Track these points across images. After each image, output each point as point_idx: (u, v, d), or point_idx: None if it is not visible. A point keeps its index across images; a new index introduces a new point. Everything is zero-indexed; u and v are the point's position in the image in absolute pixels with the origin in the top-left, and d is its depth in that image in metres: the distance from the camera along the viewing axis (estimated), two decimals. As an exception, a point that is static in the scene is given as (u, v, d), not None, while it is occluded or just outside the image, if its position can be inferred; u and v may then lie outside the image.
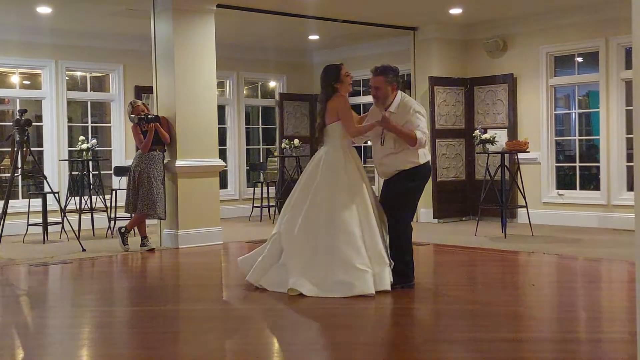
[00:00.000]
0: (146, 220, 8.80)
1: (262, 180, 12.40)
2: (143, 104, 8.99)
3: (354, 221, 5.91)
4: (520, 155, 9.80)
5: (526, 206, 9.52)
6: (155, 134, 8.61)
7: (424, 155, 6.12)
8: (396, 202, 6.10)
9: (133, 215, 8.82)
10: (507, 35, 11.11)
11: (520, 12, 10.49)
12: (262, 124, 13.85)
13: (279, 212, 11.78)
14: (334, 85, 6.20)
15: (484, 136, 9.48)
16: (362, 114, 7.20)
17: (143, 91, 11.37)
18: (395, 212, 6.08)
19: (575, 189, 10.63)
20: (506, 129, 10.83)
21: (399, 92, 6.22)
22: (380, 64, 6.31)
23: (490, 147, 9.48)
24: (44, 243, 9.32)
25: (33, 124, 9.02)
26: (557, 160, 10.85)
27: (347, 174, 6.08)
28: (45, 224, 9.50)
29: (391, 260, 6.01)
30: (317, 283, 5.85)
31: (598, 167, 10.31)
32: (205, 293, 6.42)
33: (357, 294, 5.69)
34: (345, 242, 5.85)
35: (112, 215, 10.10)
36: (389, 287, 5.83)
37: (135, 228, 8.88)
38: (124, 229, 8.66)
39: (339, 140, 6.18)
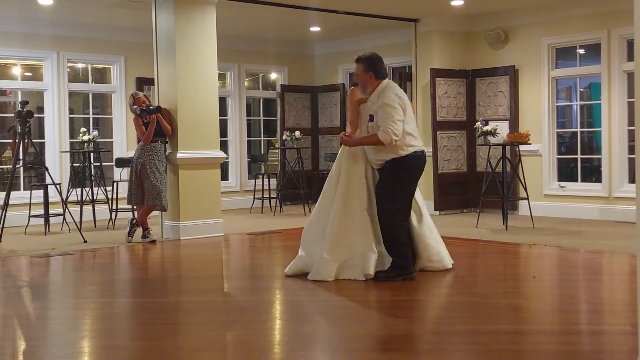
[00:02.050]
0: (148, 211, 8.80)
1: (263, 172, 12.40)
2: (145, 95, 8.99)
3: (326, 210, 6.24)
4: (522, 147, 9.79)
5: (527, 198, 9.52)
6: (156, 125, 8.61)
7: (406, 146, 6.01)
8: (379, 195, 6.11)
9: (135, 207, 8.84)
10: (509, 27, 11.08)
11: (522, 3, 10.46)
12: (263, 116, 13.84)
13: (280, 203, 11.96)
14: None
15: (485, 128, 9.47)
16: None
17: (144, 83, 11.36)
18: (380, 205, 6.09)
19: (576, 181, 10.62)
20: (507, 121, 10.81)
21: (386, 80, 6.16)
22: (366, 53, 6.31)
23: (492, 139, 9.47)
24: (45, 234, 9.34)
25: (34, 115, 9.02)
26: (559, 152, 10.83)
27: (344, 165, 6.26)
28: (46, 216, 9.51)
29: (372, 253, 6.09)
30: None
31: (599, 159, 10.30)
32: (206, 285, 6.43)
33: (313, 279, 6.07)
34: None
35: (114, 207, 10.11)
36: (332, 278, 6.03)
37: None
38: (135, 220, 8.67)
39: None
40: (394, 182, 6.05)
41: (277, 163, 12.72)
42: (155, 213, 9.11)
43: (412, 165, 6.09)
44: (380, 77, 6.15)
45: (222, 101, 12.27)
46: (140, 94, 8.98)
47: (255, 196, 12.20)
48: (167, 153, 8.81)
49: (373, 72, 6.13)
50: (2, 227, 8.36)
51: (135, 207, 8.93)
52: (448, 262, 6.50)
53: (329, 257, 6.06)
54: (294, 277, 6.23)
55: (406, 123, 6.02)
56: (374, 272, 6.02)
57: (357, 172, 6.21)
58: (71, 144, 11.01)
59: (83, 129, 10.25)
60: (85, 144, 10.05)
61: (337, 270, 6.06)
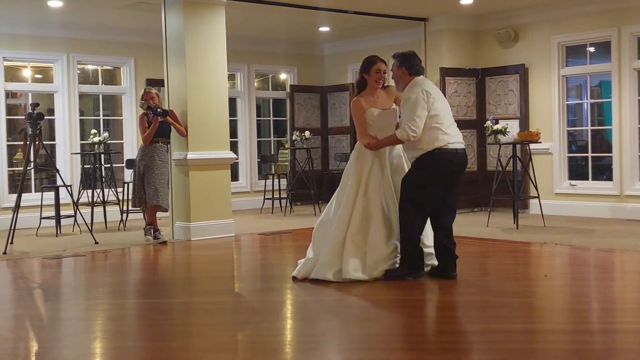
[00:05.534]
0: (157, 213, 8.81)
1: (273, 172, 12.41)
2: (156, 93, 8.94)
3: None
4: (532, 146, 9.77)
5: (538, 197, 9.49)
6: (160, 126, 8.58)
7: (432, 141, 5.90)
8: (401, 189, 6.07)
9: (142, 208, 8.85)
10: (519, 26, 11.05)
11: (532, 1, 10.44)
12: (273, 116, 13.85)
13: (291, 204, 11.96)
14: (362, 75, 6.30)
15: (495, 127, 9.45)
16: None
17: (154, 84, 11.26)
18: (400, 201, 6.06)
19: (587, 179, 10.59)
20: (518, 120, 10.78)
21: (419, 77, 6.09)
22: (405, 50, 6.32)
23: (502, 138, 9.44)
24: (56, 236, 9.37)
25: (45, 117, 9.05)
26: (569, 151, 10.80)
27: (354, 171, 6.18)
28: (58, 217, 9.55)
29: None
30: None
31: (610, 157, 10.26)
32: (217, 285, 6.44)
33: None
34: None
35: (124, 208, 10.14)
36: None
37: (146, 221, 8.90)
38: (147, 226, 8.69)
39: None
40: (416, 180, 5.98)
41: (287, 163, 12.72)
42: (166, 214, 9.13)
43: (437, 162, 5.93)
44: (413, 73, 6.09)
45: (232, 102, 12.29)
46: (153, 90, 8.89)
47: (266, 196, 12.22)
48: (171, 154, 8.81)
49: (406, 68, 6.09)
50: (14, 229, 8.39)
51: (142, 208, 8.92)
52: None
53: (332, 260, 6.03)
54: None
55: (431, 117, 5.89)
56: (357, 275, 5.96)
57: (365, 174, 6.12)
58: (82, 145, 11.05)
59: (93, 131, 10.28)
60: (96, 146, 10.09)
61: (339, 272, 6.01)
